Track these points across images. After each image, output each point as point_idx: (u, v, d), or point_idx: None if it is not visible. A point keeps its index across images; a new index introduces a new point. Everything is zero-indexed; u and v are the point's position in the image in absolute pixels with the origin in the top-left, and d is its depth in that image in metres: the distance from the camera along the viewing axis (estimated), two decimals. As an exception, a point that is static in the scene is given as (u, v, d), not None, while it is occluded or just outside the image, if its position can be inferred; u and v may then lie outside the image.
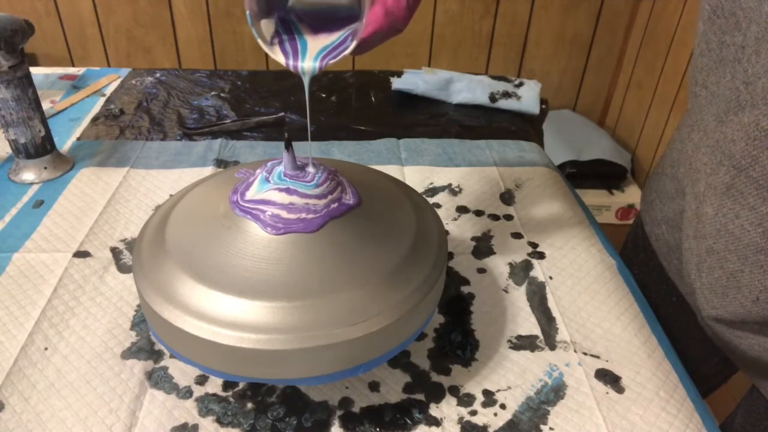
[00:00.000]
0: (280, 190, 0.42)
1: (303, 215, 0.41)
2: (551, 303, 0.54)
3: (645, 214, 0.65)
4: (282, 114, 0.85)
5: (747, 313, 0.46)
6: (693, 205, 0.50)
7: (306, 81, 0.41)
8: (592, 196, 1.79)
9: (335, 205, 0.43)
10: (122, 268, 0.56)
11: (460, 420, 0.44)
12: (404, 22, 0.40)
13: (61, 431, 0.42)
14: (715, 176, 0.46)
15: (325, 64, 0.39)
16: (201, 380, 0.46)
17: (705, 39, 0.46)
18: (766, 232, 0.43)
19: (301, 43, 0.40)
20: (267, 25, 0.39)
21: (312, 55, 0.39)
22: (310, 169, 0.44)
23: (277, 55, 0.40)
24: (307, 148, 0.77)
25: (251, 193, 0.43)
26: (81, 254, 0.58)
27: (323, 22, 0.40)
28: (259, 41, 0.39)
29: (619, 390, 0.46)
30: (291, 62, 0.39)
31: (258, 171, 0.46)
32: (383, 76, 0.99)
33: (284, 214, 0.41)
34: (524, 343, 0.50)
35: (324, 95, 0.93)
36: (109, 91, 0.91)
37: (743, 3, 0.41)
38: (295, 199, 0.42)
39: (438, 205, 0.67)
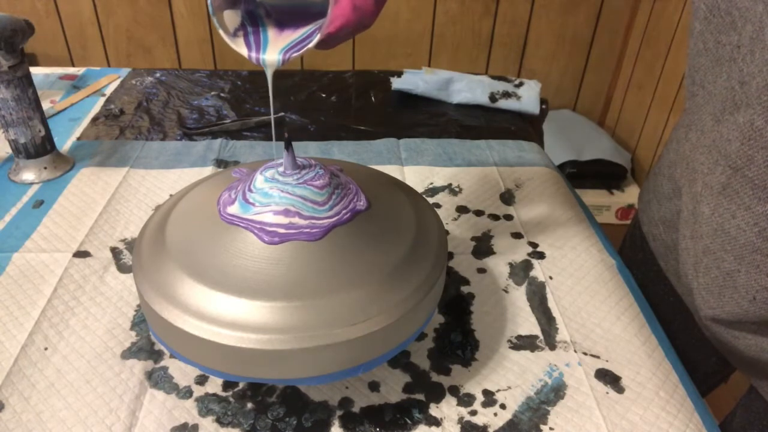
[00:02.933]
0: (276, 213, 0.41)
1: (306, 230, 0.41)
2: (551, 303, 0.54)
3: (642, 214, 0.65)
4: (282, 114, 0.85)
5: (744, 313, 0.46)
6: (690, 205, 0.50)
7: (269, 74, 0.40)
8: (592, 196, 1.79)
9: (348, 215, 0.42)
10: (122, 268, 0.56)
11: (460, 420, 0.44)
12: (372, 18, 0.40)
13: (61, 431, 0.42)
14: (711, 176, 0.46)
15: (289, 58, 0.39)
16: (201, 380, 0.46)
17: (702, 38, 0.46)
18: (762, 231, 0.43)
19: (265, 36, 0.40)
20: (232, 17, 0.39)
21: (276, 48, 0.39)
22: (324, 191, 0.42)
23: (240, 48, 0.39)
24: (305, 149, 0.78)
25: (234, 211, 0.42)
26: (81, 254, 0.58)
27: (291, 16, 0.39)
28: (221, 32, 0.39)
29: (619, 390, 0.46)
30: (254, 55, 0.39)
31: (240, 186, 0.44)
32: (383, 76, 0.99)
33: (281, 230, 0.40)
34: (524, 343, 0.50)
35: (324, 95, 0.93)
36: (109, 91, 0.91)
37: (738, 2, 0.41)
38: (296, 220, 0.41)
39: (438, 205, 0.67)
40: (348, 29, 0.39)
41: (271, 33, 0.40)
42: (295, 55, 0.39)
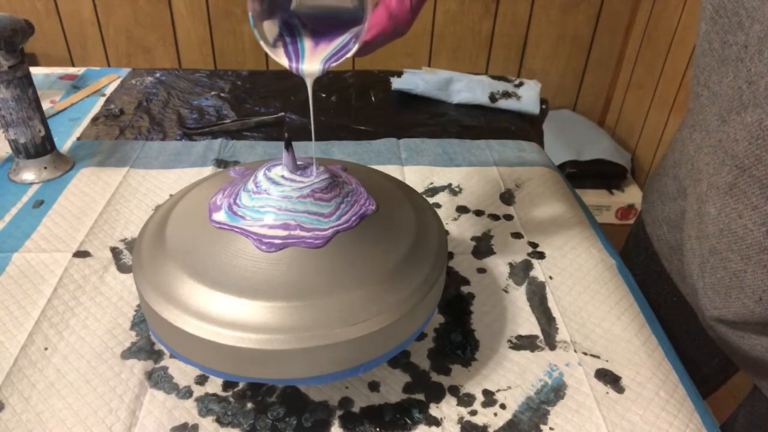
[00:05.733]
0: (272, 227, 0.40)
1: (308, 240, 0.40)
2: (551, 303, 0.54)
3: (646, 214, 0.64)
4: (282, 114, 0.85)
5: (750, 314, 0.46)
6: (695, 206, 0.50)
7: (309, 84, 0.41)
8: (592, 196, 1.79)
9: (356, 221, 0.42)
10: (122, 268, 0.56)
11: (460, 420, 0.44)
12: (408, 25, 0.41)
13: (61, 431, 0.42)
14: (717, 176, 0.46)
15: (328, 67, 0.39)
16: (201, 380, 0.46)
17: (707, 39, 0.46)
18: None
19: (302, 46, 0.40)
20: (270, 27, 0.39)
21: (315, 58, 0.39)
22: (332, 202, 0.42)
23: (281, 58, 0.39)
24: (305, 149, 0.77)
25: (221, 218, 0.42)
26: (81, 254, 0.58)
27: (326, 25, 0.39)
28: (262, 43, 0.39)
29: (619, 390, 0.46)
30: (294, 65, 0.39)
31: (228, 191, 0.43)
32: (383, 76, 0.99)
33: (278, 241, 0.40)
34: (524, 343, 0.50)
35: (324, 95, 0.93)
36: (109, 91, 0.91)
37: (746, 2, 0.41)
38: (297, 232, 0.40)
39: (438, 205, 0.67)
40: (384, 37, 0.40)
41: (308, 43, 0.39)
42: (334, 64, 0.39)
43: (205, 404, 0.44)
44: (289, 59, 0.39)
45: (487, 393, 0.46)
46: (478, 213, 0.66)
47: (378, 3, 0.41)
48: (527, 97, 0.90)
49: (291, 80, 0.97)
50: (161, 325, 0.39)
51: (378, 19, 0.39)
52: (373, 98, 0.93)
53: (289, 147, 0.42)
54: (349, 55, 0.39)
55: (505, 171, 0.74)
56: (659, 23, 1.70)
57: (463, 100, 0.91)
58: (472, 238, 0.62)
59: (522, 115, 0.90)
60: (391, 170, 0.73)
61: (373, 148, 0.78)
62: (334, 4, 0.40)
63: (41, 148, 0.68)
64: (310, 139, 0.79)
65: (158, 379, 0.46)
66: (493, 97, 0.90)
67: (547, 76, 1.92)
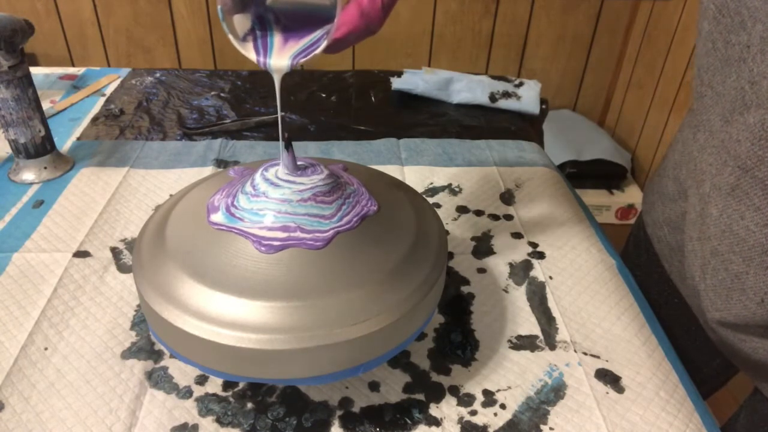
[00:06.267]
0: (271, 229, 0.40)
1: (308, 242, 0.40)
2: (551, 303, 0.54)
3: (646, 215, 0.64)
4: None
5: (752, 316, 0.46)
6: (698, 207, 0.50)
7: (277, 79, 0.41)
8: (592, 196, 1.79)
9: (357, 222, 0.42)
10: (122, 268, 0.56)
11: (460, 420, 0.44)
12: (379, 23, 0.41)
13: (61, 431, 0.42)
14: (720, 177, 0.46)
15: (297, 63, 0.39)
16: (201, 380, 0.46)
17: (710, 38, 0.45)
18: None
19: (272, 41, 0.40)
20: (242, 21, 0.39)
21: (284, 54, 0.39)
22: (333, 204, 0.42)
23: (249, 52, 0.39)
24: (305, 149, 0.78)
25: (218, 220, 0.42)
26: (81, 254, 0.58)
27: (298, 21, 0.40)
28: (230, 37, 0.39)
29: (619, 390, 0.46)
30: (262, 59, 0.39)
31: (226, 191, 0.43)
32: (383, 76, 0.99)
33: (277, 243, 0.40)
34: (524, 343, 0.50)
35: (324, 95, 0.93)
36: (109, 91, 0.91)
37: (748, 2, 0.41)
38: (297, 233, 0.40)
39: (438, 205, 0.67)
40: (354, 35, 0.39)
41: (278, 38, 0.40)
42: (302, 60, 0.39)
43: (205, 404, 0.44)
44: (257, 53, 0.39)
45: (487, 393, 0.46)
46: (478, 213, 0.66)
47: (349, 1, 0.40)
48: (527, 97, 0.90)
49: (291, 80, 0.97)
50: (161, 325, 0.39)
51: (349, 17, 0.39)
52: (373, 98, 0.93)
53: (288, 147, 0.42)
54: (318, 51, 0.39)
55: (505, 171, 0.74)
56: (659, 23, 1.70)
57: (463, 100, 0.91)
58: (472, 238, 0.62)
59: (522, 115, 0.90)
60: (391, 170, 0.73)
61: (373, 148, 0.78)
62: (309, 1, 0.40)
63: (41, 148, 0.68)
64: (310, 140, 0.79)
65: (158, 379, 0.46)
66: (493, 97, 0.90)
67: (547, 76, 1.92)
